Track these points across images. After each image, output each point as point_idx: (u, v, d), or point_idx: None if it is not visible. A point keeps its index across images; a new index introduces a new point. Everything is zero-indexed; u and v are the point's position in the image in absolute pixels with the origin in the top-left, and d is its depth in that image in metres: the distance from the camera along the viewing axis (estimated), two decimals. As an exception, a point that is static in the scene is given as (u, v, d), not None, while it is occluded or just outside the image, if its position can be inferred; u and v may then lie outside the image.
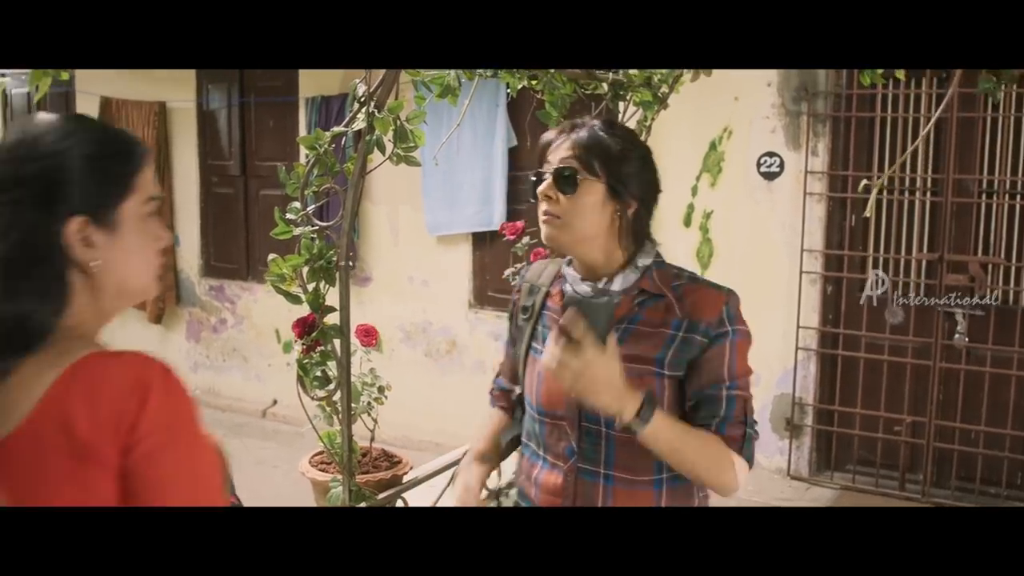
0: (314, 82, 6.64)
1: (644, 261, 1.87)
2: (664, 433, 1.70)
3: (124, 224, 1.29)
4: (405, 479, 2.74)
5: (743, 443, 1.81)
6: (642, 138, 3.48)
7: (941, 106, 2.93)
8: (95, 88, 7.66)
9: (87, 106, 7.86)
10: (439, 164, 3.46)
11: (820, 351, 5.38)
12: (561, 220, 1.84)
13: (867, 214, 3.16)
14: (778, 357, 5.40)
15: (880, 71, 3.19)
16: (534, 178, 1.89)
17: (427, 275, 6.52)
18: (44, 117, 1.29)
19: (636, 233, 1.88)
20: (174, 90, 7.41)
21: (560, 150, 1.86)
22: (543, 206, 1.86)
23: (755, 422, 1.85)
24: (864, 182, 3.13)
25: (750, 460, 1.82)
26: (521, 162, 6.00)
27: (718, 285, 1.88)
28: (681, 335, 1.81)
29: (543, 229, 1.88)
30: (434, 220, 6.35)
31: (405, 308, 6.59)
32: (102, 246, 1.27)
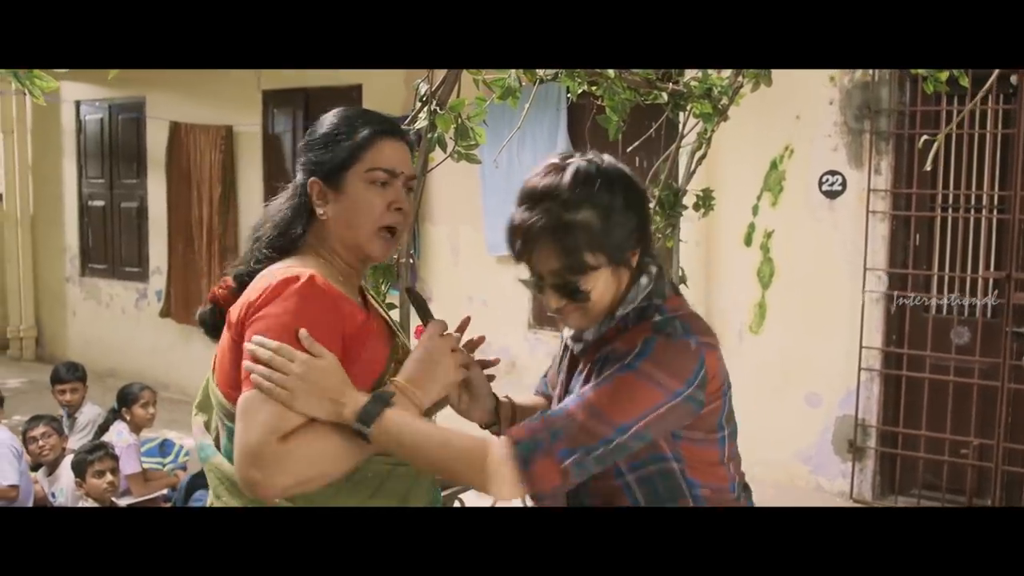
0: (376, 104, 6.72)
1: (622, 311, 1.77)
2: (392, 435, 1.59)
3: (348, 187, 1.71)
4: (463, 482, 2.76)
5: (517, 444, 1.61)
6: (700, 151, 3.46)
7: (966, 108, 2.89)
8: (165, 114, 7.88)
9: (157, 131, 8.09)
10: (499, 167, 3.48)
11: (883, 371, 5.29)
12: (581, 312, 1.77)
13: (927, 168, 3.15)
14: (841, 377, 5.32)
15: (944, 79, 3.16)
16: (531, 287, 1.81)
17: (487, 295, 6.55)
18: (333, 112, 1.80)
19: (636, 276, 1.79)
20: (240, 115, 7.58)
21: (542, 258, 1.73)
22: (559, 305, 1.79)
23: (574, 452, 1.61)
24: (924, 137, 3.09)
25: (524, 464, 1.60)
26: (581, 182, 6.01)
27: (665, 327, 1.71)
28: (598, 368, 1.72)
29: (567, 323, 1.84)
30: (494, 239, 6.39)
31: (464, 328, 6.61)
32: (330, 201, 1.72)
